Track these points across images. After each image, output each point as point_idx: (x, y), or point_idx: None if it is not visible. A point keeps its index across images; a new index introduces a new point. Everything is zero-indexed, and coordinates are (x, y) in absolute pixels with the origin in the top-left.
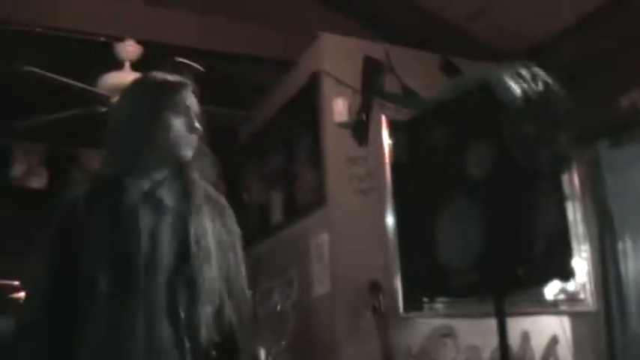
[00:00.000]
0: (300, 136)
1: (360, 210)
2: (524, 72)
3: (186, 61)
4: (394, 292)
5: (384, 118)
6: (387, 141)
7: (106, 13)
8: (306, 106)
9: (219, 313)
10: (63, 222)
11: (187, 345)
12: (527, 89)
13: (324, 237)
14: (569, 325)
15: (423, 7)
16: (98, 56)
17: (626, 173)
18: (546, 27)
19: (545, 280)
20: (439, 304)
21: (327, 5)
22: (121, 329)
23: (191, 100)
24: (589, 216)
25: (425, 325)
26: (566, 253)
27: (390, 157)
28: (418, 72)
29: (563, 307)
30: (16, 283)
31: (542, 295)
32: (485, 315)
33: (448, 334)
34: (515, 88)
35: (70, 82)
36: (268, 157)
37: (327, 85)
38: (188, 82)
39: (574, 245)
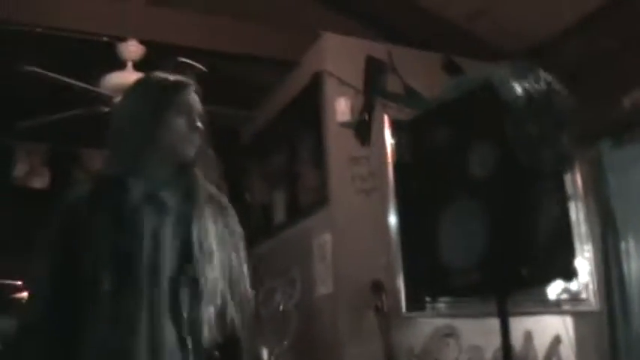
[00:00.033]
0: (302, 136)
1: (363, 210)
2: (526, 71)
3: (188, 61)
4: (397, 292)
5: (386, 118)
6: (389, 141)
7: (109, 13)
8: (309, 106)
9: (221, 314)
10: (65, 222)
11: (190, 345)
12: (530, 89)
13: (327, 237)
14: (572, 325)
15: (423, 7)
16: (100, 56)
17: (628, 173)
18: (548, 27)
19: (548, 279)
20: (442, 304)
21: (328, 5)
22: (124, 329)
23: (194, 100)
24: (591, 216)
25: (427, 324)
26: (569, 252)
27: (393, 156)
28: (420, 72)
29: (565, 307)
30: (19, 283)
31: (544, 294)
32: (487, 315)
33: (451, 333)
34: (518, 88)
35: (73, 82)
36: (271, 157)
37: (330, 85)
38: (190, 82)
39: (577, 245)
